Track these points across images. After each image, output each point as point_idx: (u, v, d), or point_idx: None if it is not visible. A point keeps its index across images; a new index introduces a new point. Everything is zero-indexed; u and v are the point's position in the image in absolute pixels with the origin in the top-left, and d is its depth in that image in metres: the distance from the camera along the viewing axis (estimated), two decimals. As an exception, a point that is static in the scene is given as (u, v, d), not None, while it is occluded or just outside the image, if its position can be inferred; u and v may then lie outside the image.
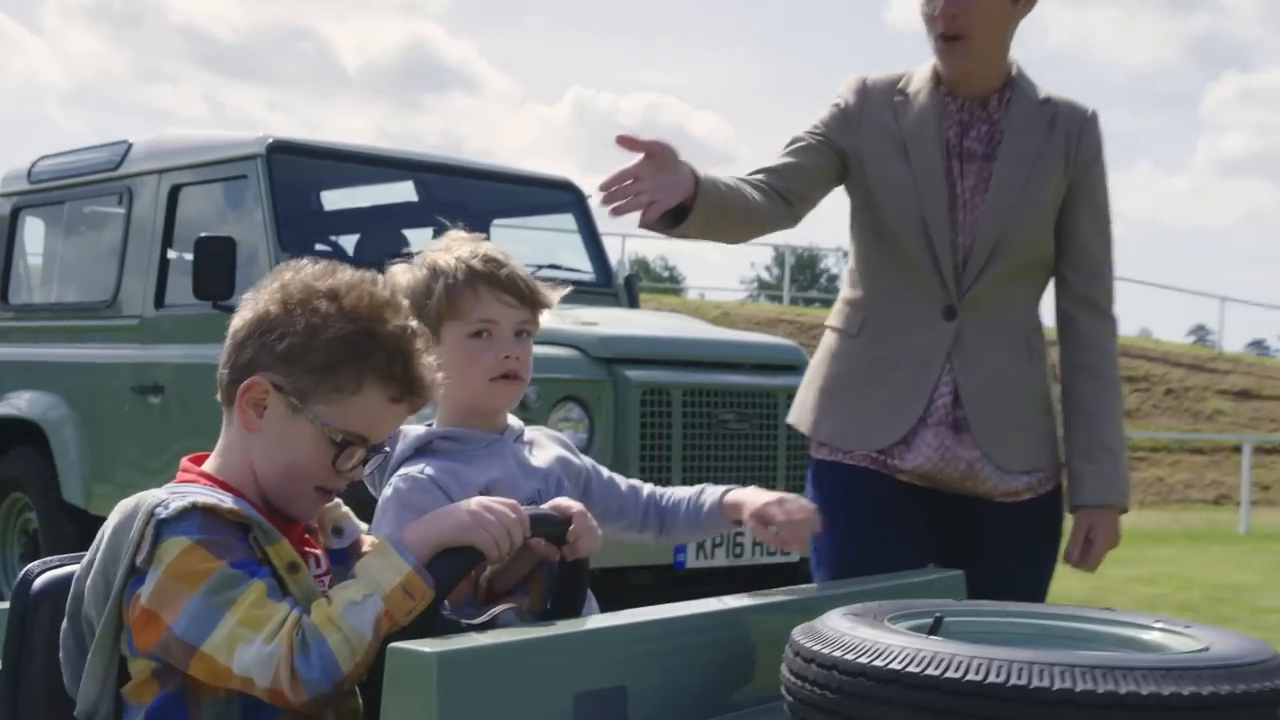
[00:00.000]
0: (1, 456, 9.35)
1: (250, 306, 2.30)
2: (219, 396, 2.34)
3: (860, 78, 3.56)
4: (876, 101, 3.50)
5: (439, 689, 1.80)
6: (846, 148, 3.47)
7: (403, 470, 2.60)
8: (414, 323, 2.34)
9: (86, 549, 2.37)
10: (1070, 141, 3.45)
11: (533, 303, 2.72)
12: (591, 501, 2.76)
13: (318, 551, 2.38)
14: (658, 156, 3.00)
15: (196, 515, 2.13)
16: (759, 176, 3.38)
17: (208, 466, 2.34)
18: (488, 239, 2.79)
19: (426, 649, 1.82)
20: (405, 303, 2.38)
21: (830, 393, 3.51)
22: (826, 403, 3.51)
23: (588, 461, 2.89)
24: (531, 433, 2.85)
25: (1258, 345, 54.70)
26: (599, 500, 2.84)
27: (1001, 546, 3.42)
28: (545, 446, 2.83)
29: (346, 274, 2.31)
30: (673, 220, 3.12)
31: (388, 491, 2.59)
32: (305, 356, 2.23)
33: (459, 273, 2.65)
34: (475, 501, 2.23)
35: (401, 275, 2.71)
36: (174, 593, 2.08)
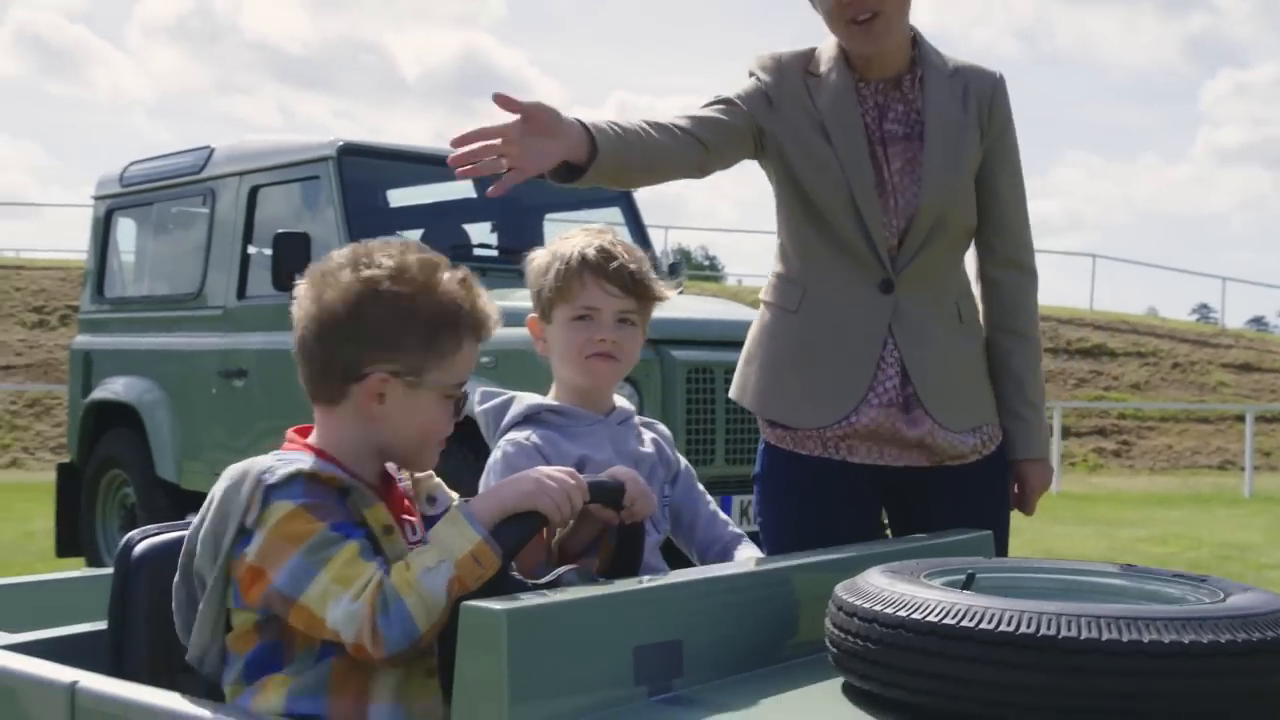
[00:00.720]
0: (101, 437, 9.43)
1: (322, 309, 2.28)
2: (313, 395, 2.34)
3: (773, 55, 3.32)
4: (792, 81, 3.26)
5: (509, 644, 1.80)
6: (765, 126, 3.23)
7: (510, 435, 2.71)
8: (463, 269, 2.35)
9: (179, 520, 2.39)
10: (983, 109, 3.28)
11: (637, 294, 2.78)
12: (673, 500, 2.80)
13: (415, 519, 2.39)
14: (534, 120, 2.70)
15: (300, 481, 2.16)
16: (680, 121, 3.11)
17: (312, 439, 2.34)
18: (609, 232, 2.85)
19: (497, 607, 1.82)
20: (443, 257, 2.37)
21: (773, 369, 3.31)
22: (771, 380, 3.31)
23: (684, 462, 2.91)
24: (639, 421, 2.90)
25: (1257, 322, 54.57)
26: (678, 499, 2.89)
27: (955, 509, 3.19)
28: (646, 435, 2.88)
29: (381, 249, 2.31)
30: (564, 176, 2.87)
31: (496, 455, 2.69)
32: (405, 339, 2.25)
33: (572, 261, 2.75)
34: (536, 471, 2.24)
35: (538, 256, 2.85)
36: (278, 551, 2.12)
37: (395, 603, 2.05)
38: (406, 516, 2.37)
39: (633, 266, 2.77)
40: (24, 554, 10.73)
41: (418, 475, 2.47)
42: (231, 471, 2.24)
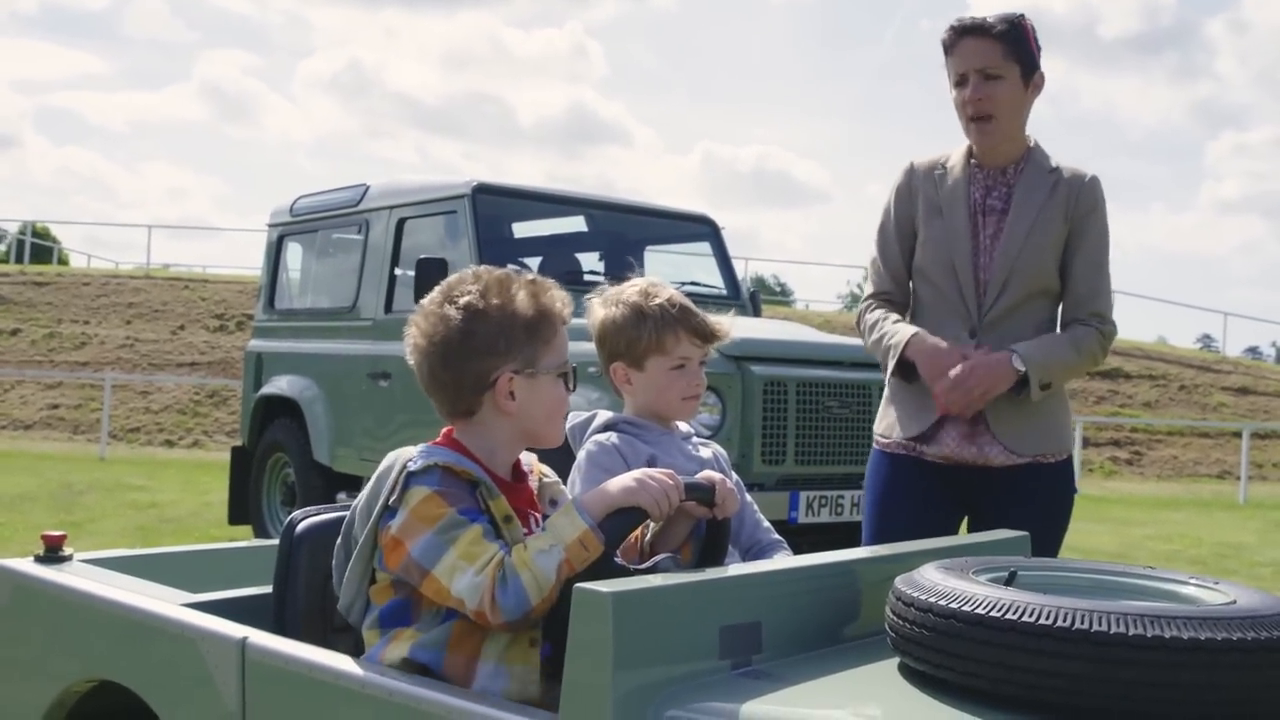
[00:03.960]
0: (268, 426, 9.54)
1: (436, 341, 2.31)
2: (448, 411, 2.36)
3: (910, 162, 3.65)
4: (921, 178, 3.59)
5: (614, 621, 1.79)
6: (907, 214, 3.59)
7: (595, 437, 2.70)
8: (530, 275, 2.39)
9: (332, 499, 2.42)
10: (1070, 201, 3.46)
11: (712, 341, 2.80)
12: None
13: (538, 513, 2.40)
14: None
15: (437, 472, 2.21)
16: (886, 308, 3.60)
17: (458, 437, 2.38)
18: (664, 284, 2.83)
19: (604, 589, 1.81)
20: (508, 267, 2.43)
21: (887, 399, 3.63)
22: (884, 407, 3.64)
23: (735, 475, 2.89)
24: (698, 440, 2.90)
25: (1253, 351, 53.90)
26: None
27: (1010, 505, 3.43)
28: (705, 450, 2.87)
29: (457, 281, 2.36)
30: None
31: (582, 454, 2.69)
32: (514, 338, 2.29)
33: (666, 317, 2.73)
34: (640, 471, 2.23)
35: (601, 309, 2.81)
36: (415, 528, 2.16)
37: (513, 578, 2.07)
38: (533, 511, 2.39)
39: (709, 320, 2.79)
40: (202, 520, 10.89)
41: (545, 480, 2.49)
42: (389, 457, 2.31)
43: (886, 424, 3.60)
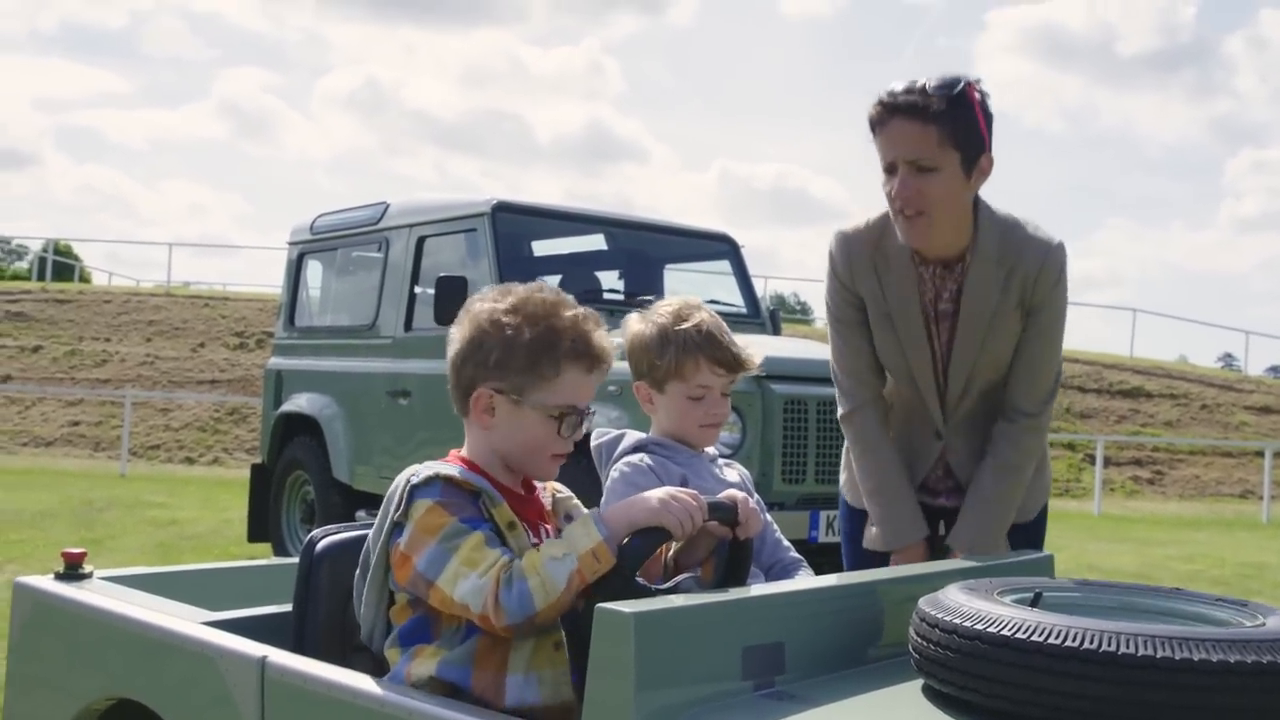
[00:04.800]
0: (288, 443, 9.54)
1: (458, 338, 2.35)
2: (455, 409, 2.39)
3: (844, 240, 3.17)
4: (861, 268, 3.15)
5: (636, 641, 1.78)
6: (854, 318, 3.21)
7: (627, 458, 2.69)
8: (583, 309, 2.34)
9: (351, 517, 2.43)
10: (1026, 291, 3.04)
11: (737, 371, 2.75)
12: None
13: (550, 526, 2.39)
14: None
15: (439, 483, 2.21)
16: (862, 402, 3.24)
17: (462, 452, 2.39)
18: (703, 307, 2.78)
19: (626, 609, 1.80)
20: (570, 297, 2.37)
21: (850, 482, 3.38)
22: (850, 483, 3.39)
23: (757, 495, 2.88)
24: (725, 463, 2.89)
25: (1275, 370, 53.48)
26: None
27: None
28: (731, 473, 2.86)
29: (519, 289, 2.34)
30: None
31: (614, 474, 2.67)
32: (511, 362, 2.27)
33: (688, 345, 2.69)
34: (664, 491, 2.20)
35: (634, 324, 2.79)
36: (419, 540, 2.17)
37: (519, 581, 2.07)
38: (544, 524, 2.38)
39: (734, 349, 2.73)
40: (221, 538, 10.89)
41: (559, 495, 2.48)
42: (398, 477, 2.29)
43: (854, 493, 3.39)
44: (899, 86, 2.91)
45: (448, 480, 2.21)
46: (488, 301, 2.33)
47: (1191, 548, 13.95)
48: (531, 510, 2.37)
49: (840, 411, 3.29)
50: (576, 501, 2.51)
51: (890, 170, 2.95)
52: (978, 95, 2.92)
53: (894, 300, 3.13)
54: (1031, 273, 3.04)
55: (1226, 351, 58.17)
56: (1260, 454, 22.30)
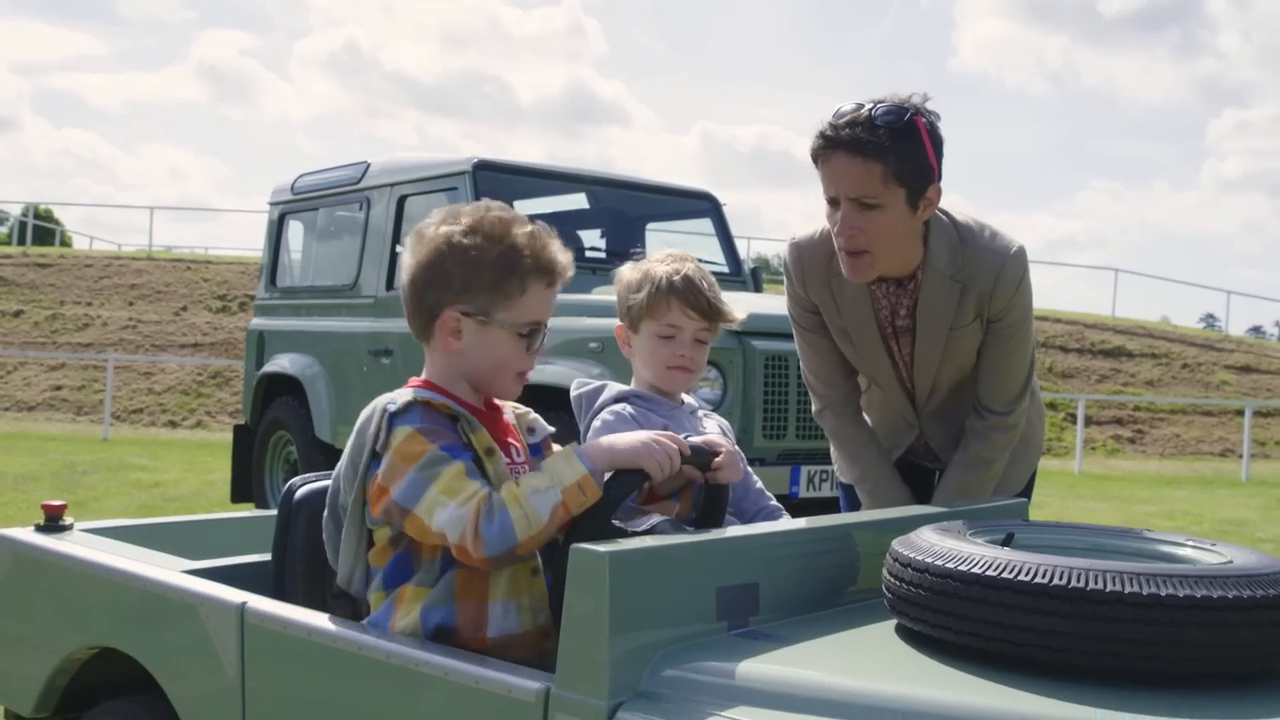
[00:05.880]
0: (270, 403, 9.54)
1: (413, 263, 2.31)
2: (415, 335, 2.37)
3: (796, 251, 3.14)
4: (815, 284, 3.12)
5: (610, 581, 1.79)
6: (815, 324, 3.22)
7: (611, 407, 2.71)
8: (536, 224, 2.34)
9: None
10: (983, 304, 2.98)
11: (713, 318, 2.78)
12: None
13: (518, 442, 2.40)
14: None
15: (418, 408, 2.20)
16: (832, 401, 3.27)
17: (425, 374, 2.37)
18: (692, 260, 2.81)
19: (601, 549, 1.81)
20: (519, 213, 2.35)
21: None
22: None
23: (737, 447, 2.90)
24: (704, 414, 2.90)
25: (1256, 330, 53.97)
26: None
27: None
28: (711, 423, 2.88)
29: (468, 210, 2.32)
30: None
31: (597, 423, 2.68)
32: (476, 283, 2.26)
33: (663, 284, 2.74)
34: (646, 433, 2.23)
35: (625, 271, 2.84)
36: (398, 469, 2.15)
37: (501, 512, 2.07)
38: (510, 439, 2.38)
39: (711, 296, 2.76)
40: (205, 499, 10.89)
41: (518, 411, 2.49)
42: (364, 410, 2.28)
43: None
44: (844, 115, 2.79)
45: (426, 404, 2.21)
46: (441, 225, 2.29)
47: (1171, 505, 14.04)
48: (498, 429, 2.37)
49: (814, 409, 3.34)
50: (535, 415, 2.52)
51: (832, 204, 2.87)
52: (926, 123, 2.81)
53: (849, 316, 3.11)
54: (987, 287, 2.96)
55: (1208, 312, 58.39)
56: (1240, 413, 22.43)
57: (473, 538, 2.06)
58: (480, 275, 2.25)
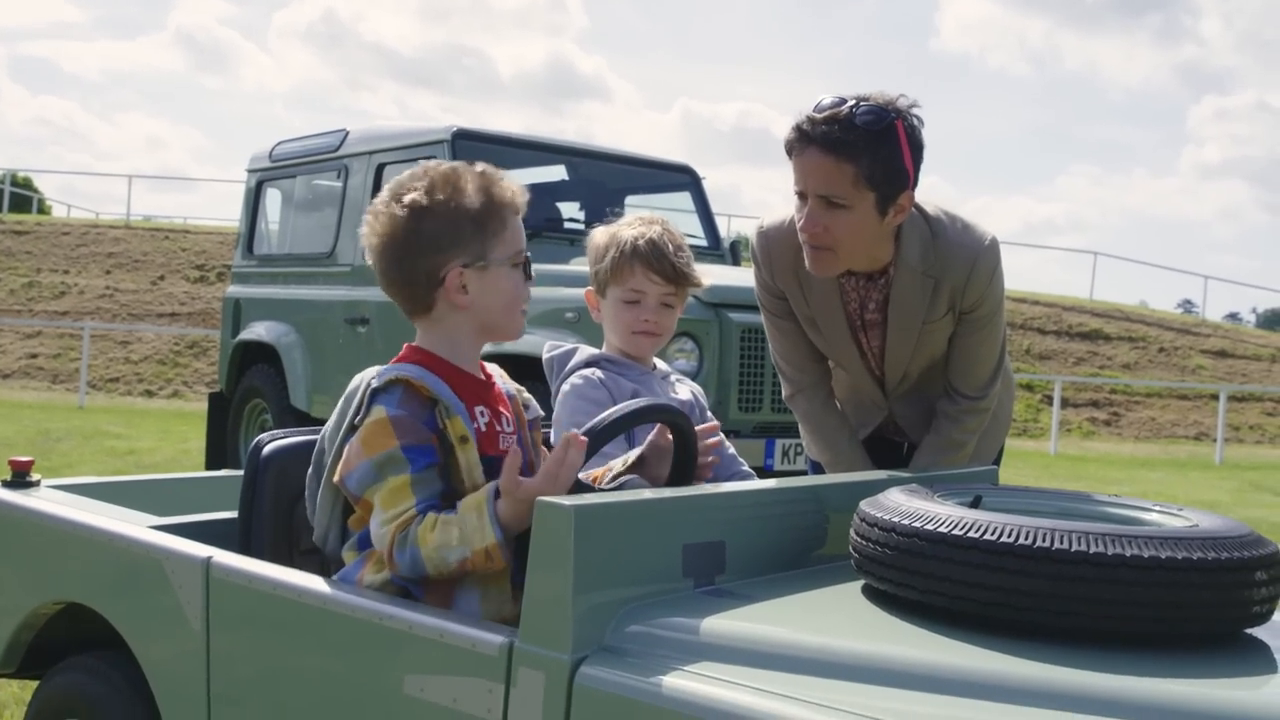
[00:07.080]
0: (246, 371, 9.51)
1: (385, 235, 2.27)
2: (409, 309, 2.33)
3: (764, 239, 3.08)
4: (783, 270, 3.06)
5: (575, 535, 1.78)
6: (783, 310, 3.17)
7: (581, 371, 2.71)
8: (477, 164, 2.32)
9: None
10: (955, 298, 2.94)
11: (678, 282, 2.77)
12: None
13: (509, 413, 2.38)
14: None
15: (399, 389, 2.19)
16: (802, 385, 3.24)
17: (419, 343, 2.35)
18: (664, 224, 2.80)
19: (566, 503, 1.80)
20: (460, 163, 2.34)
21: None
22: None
23: (709, 413, 2.89)
24: (676, 379, 2.91)
25: (1233, 316, 54.28)
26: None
27: None
28: (683, 389, 2.89)
29: (412, 175, 2.30)
30: None
31: (566, 387, 2.68)
32: (462, 233, 2.25)
33: (626, 249, 2.74)
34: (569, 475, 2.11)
35: (596, 235, 2.84)
36: (358, 454, 2.17)
37: (412, 546, 2.09)
38: (502, 409, 2.37)
39: (676, 259, 2.75)
40: (179, 466, 10.87)
41: (517, 388, 2.48)
42: (356, 378, 2.29)
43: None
44: (823, 110, 2.72)
45: (407, 385, 2.19)
46: (402, 196, 2.26)
47: (1145, 486, 14.11)
48: (491, 396, 2.36)
49: (784, 393, 3.32)
50: (529, 396, 2.51)
51: (802, 197, 2.81)
52: (906, 127, 2.73)
53: (816, 308, 3.07)
54: (960, 282, 2.93)
55: (1186, 297, 58.71)
56: (1215, 397, 22.56)
57: (388, 558, 2.12)
58: (463, 226, 2.24)
